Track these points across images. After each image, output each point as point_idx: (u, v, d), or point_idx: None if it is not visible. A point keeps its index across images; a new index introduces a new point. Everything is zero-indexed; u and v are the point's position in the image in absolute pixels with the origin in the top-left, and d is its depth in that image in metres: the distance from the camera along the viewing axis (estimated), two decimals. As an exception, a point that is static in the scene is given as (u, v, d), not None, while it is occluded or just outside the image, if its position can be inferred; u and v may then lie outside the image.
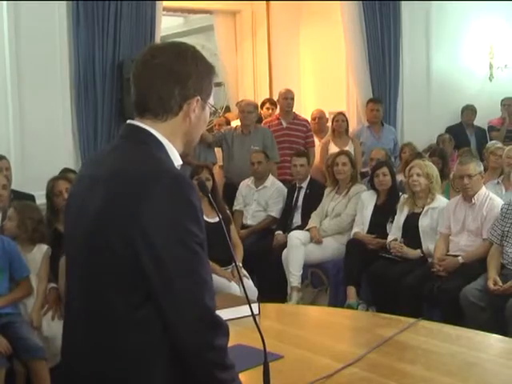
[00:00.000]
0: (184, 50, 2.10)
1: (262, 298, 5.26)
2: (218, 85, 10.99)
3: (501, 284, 5.18)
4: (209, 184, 5.89)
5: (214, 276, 5.76)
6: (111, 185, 1.96)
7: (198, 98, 2.08)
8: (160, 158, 2.01)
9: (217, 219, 5.70)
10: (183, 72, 2.05)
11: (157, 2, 7.28)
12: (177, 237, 1.89)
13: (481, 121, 9.89)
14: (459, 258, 5.66)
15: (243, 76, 10.28)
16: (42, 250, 5.09)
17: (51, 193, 5.63)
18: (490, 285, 5.19)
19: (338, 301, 6.33)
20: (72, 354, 2.08)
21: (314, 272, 6.74)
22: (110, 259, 1.92)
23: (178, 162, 2.09)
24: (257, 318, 2.35)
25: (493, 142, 8.08)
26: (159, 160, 1.99)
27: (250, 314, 2.37)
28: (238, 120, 8.42)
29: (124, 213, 1.89)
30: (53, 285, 5.09)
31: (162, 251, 1.87)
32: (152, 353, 1.93)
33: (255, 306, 3.37)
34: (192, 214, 1.92)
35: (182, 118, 2.08)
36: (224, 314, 3.35)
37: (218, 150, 8.27)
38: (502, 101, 9.79)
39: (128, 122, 2.11)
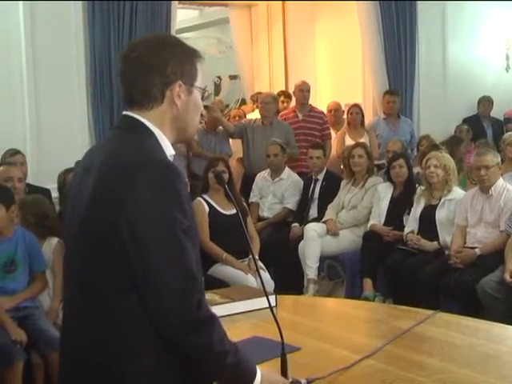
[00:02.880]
0: (160, 39, 2.15)
1: (278, 291, 5.24)
2: (234, 78, 11.02)
3: None
4: (225, 176, 5.87)
5: (231, 268, 5.80)
6: (100, 173, 1.99)
7: (180, 82, 2.08)
8: (148, 146, 2.03)
9: (233, 211, 5.71)
10: (160, 59, 2.06)
11: (172, 1, 7.32)
12: (161, 224, 1.90)
13: (498, 112, 9.84)
14: (476, 249, 5.64)
15: (259, 69, 10.26)
16: (52, 244, 5.06)
17: (63, 186, 5.61)
18: (507, 277, 5.16)
19: (355, 293, 6.32)
20: (65, 338, 2.13)
21: (330, 264, 6.74)
22: (98, 244, 1.95)
23: (169, 151, 2.11)
24: (274, 309, 2.34)
25: (509, 133, 8.03)
26: (147, 148, 2.01)
27: (266, 306, 2.37)
28: (254, 112, 8.43)
29: (110, 200, 1.92)
30: (70, 278, 5.06)
31: (145, 239, 1.89)
32: (141, 337, 1.94)
33: (272, 298, 3.36)
34: (176, 200, 1.93)
35: (168, 105, 2.09)
36: (241, 306, 3.41)
37: (234, 142, 8.28)
38: (518, 92, 9.76)
39: (123, 112, 2.14)
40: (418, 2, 9.06)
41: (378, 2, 8.75)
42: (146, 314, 1.92)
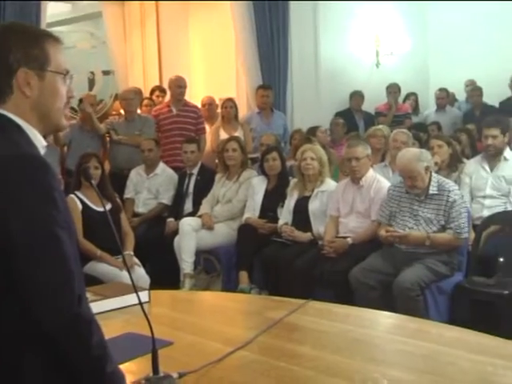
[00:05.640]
0: (1, 29, 2.06)
1: (155, 286, 5.22)
2: (107, 73, 10.85)
3: (392, 229, 5.31)
4: (97, 172, 5.83)
5: (106, 265, 5.72)
6: None
7: (25, 69, 2.01)
8: (15, 140, 1.96)
9: (106, 208, 5.63)
10: (1, 49, 1.99)
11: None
12: (34, 221, 1.84)
13: (369, 106, 10.11)
14: (348, 239, 5.76)
15: (133, 64, 10.18)
16: None
17: None
18: (382, 232, 5.33)
19: (231, 286, 6.34)
20: None
21: (206, 258, 6.74)
22: None
23: (40, 142, 2.04)
24: (147, 305, 2.33)
25: (375, 126, 8.23)
26: (13, 143, 1.94)
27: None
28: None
29: None
30: None
31: (19, 236, 1.82)
32: (25, 338, 1.88)
33: (145, 294, 3.34)
34: (49, 195, 1.88)
35: (19, 95, 2.02)
36: (114, 302, 3.36)
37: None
38: (388, 87, 10.04)
39: None
40: (291, 1, 9.20)
41: (251, 1, 8.83)
42: (26, 313, 1.85)
